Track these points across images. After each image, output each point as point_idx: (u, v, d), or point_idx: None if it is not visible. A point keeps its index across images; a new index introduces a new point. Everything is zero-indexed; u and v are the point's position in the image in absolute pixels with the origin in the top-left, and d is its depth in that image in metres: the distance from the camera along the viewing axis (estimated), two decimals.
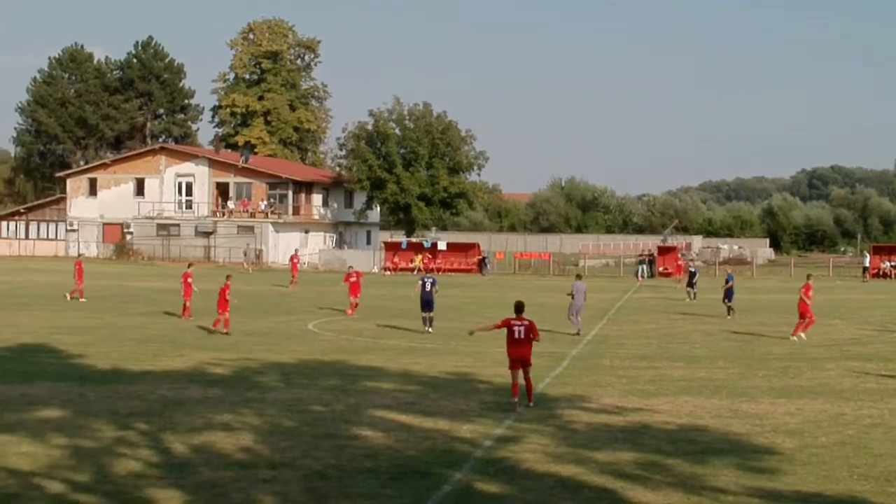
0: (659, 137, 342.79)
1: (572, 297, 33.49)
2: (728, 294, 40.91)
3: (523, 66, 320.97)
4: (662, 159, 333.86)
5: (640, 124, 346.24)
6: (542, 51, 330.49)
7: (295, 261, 61.72)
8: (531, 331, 19.10)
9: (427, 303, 33.48)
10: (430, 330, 32.79)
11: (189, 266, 39.17)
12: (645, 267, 77.01)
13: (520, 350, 19.00)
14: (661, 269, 77.60)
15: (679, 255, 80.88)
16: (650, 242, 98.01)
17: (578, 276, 35.47)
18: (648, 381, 23.02)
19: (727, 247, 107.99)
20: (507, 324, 19.26)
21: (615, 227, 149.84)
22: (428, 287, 33.74)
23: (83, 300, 42.54)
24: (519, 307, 19.52)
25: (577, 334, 32.40)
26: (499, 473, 14.20)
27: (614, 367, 25.61)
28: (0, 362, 24.43)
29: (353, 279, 40.62)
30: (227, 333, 30.47)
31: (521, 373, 18.98)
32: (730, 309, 40.31)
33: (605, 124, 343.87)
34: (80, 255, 52.75)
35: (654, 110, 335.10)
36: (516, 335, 19.03)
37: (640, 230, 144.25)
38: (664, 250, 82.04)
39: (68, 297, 42.80)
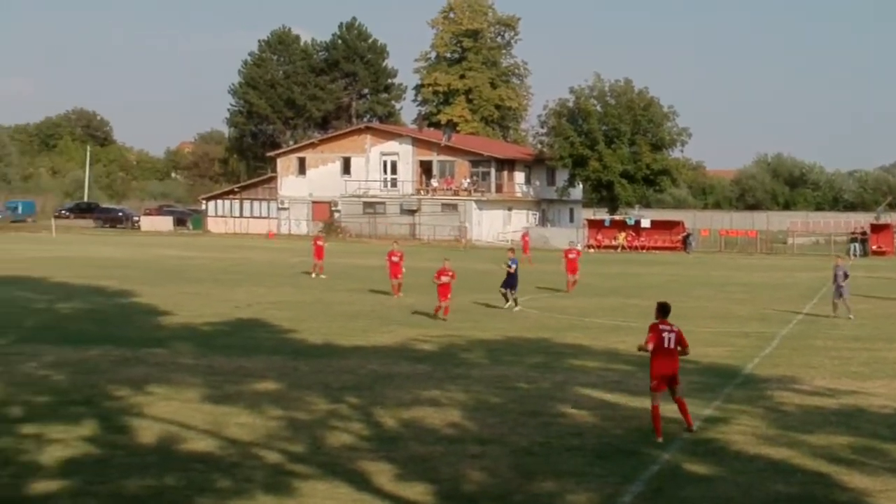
0: (870, 111, 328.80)
1: (843, 280, 32.20)
2: None
3: (726, 39, 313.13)
4: (874, 134, 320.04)
5: (849, 97, 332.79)
6: (745, 23, 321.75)
7: (526, 238, 62.03)
8: (680, 339, 15.57)
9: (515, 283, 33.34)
10: (517, 308, 32.55)
11: (394, 244, 39.64)
12: (857, 245, 74.32)
13: (670, 363, 15.39)
14: (874, 247, 74.78)
15: None
16: (862, 220, 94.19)
17: (839, 257, 34.23)
18: (863, 363, 22.26)
19: None
20: (654, 330, 15.49)
21: (825, 203, 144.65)
22: (514, 268, 33.46)
23: (323, 276, 43.85)
24: (665, 309, 15.86)
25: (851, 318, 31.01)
26: (708, 454, 14.02)
27: (826, 347, 24.85)
28: (219, 336, 25.47)
29: (571, 256, 40.70)
30: (444, 319, 29.39)
31: (662, 395, 15.35)
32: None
33: (812, 98, 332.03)
34: (319, 232, 54.37)
35: (864, 83, 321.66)
36: (666, 343, 15.38)
37: (851, 207, 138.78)
38: (877, 228, 78.93)
39: (313, 275, 44.03)
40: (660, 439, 14.70)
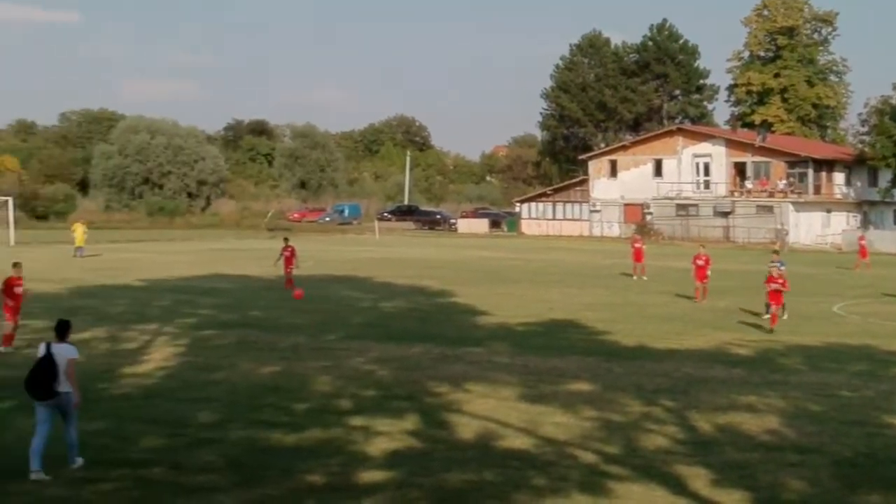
0: None
1: None
2: None
3: None
4: None
5: None
6: None
7: (863, 242, 59.36)
8: None
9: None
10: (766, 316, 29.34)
11: (701, 248, 38.46)
12: None
13: None
14: None
15: None
16: None
17: None
18: None
19: None
20: None
21: None
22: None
23: (645, 278, 43.75)
24: None
25: None
26: None
27: None
28: (533, 336, 25.88)
29: None
30: (770, 330, 27.26)
31: None
32: None
33: None
34: (634, 235, 54.68)
35: None
36: None
37: None
38: None
39: (635, 277, 44.05)
40: None
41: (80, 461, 13.01)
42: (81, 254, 53.41)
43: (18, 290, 22.95)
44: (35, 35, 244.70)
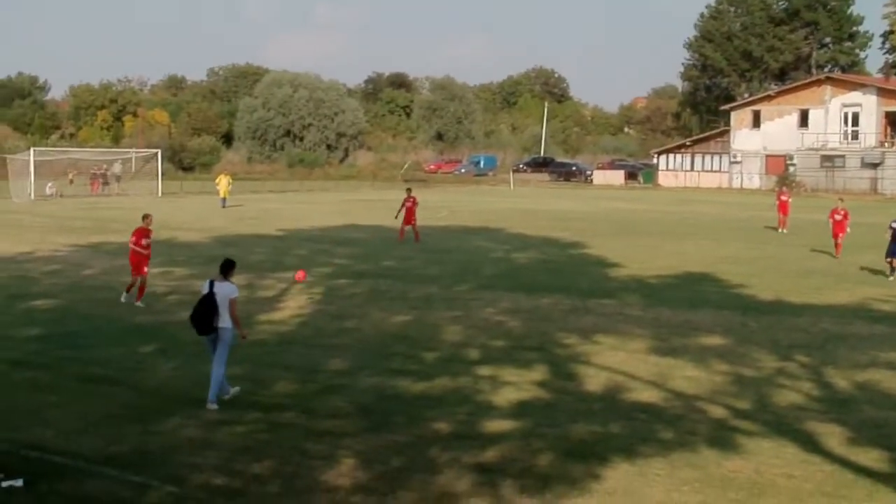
0: None
1: None
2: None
3: None
4: None
5: None
6: None
7: None
8: None
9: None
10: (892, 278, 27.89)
11: (839, 201, 36.94)
12: None
13: None
14: None
15: None
16: None
17: None
18: None
19: None
20: None
21: None
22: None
23: (784, 231, 42.77)
24: None
25: None
26: None
27: None
28: (666, 289, 25.49)
29: None
30: None
31: None
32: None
33: None
34: (782, 187, 53.55)
35: None
36: None
37: None
38: None
39: (779, 230, 43.11)
40: None
41: (215, 406, 13.36)
42: (224, 204, 54.61)
43: (147, 241, 22.28)
44: None
